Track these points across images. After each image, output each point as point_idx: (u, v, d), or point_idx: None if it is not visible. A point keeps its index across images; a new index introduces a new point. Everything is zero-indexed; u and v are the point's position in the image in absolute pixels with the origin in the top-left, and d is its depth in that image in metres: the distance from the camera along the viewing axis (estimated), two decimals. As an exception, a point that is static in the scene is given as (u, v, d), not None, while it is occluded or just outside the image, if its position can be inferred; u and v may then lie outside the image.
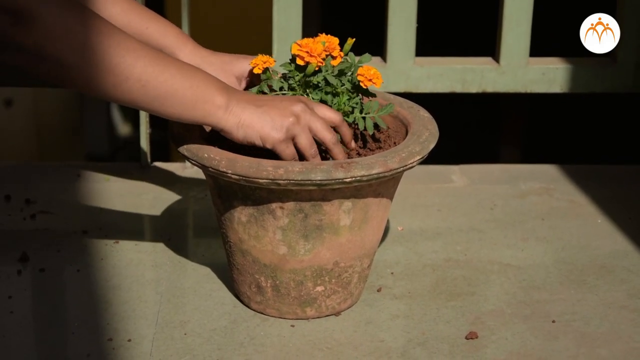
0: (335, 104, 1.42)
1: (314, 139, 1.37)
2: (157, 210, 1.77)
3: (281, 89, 1.43)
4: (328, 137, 1.37)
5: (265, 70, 1.45)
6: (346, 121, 1.42)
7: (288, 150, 1.35)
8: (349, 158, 1.41)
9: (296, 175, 1.32)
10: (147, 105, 1.32)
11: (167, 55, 1.34)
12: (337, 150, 1.38)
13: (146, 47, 1.31)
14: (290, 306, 1.44)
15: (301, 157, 1.38)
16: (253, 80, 1.51)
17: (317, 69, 1.42)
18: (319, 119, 1.36)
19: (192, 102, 1.33)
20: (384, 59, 1.95)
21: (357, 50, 1.50)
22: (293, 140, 1.35)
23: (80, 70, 1.28)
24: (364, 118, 1.43)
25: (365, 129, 1.44)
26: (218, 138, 1.46)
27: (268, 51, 1.68)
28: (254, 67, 1.45)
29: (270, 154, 1.37)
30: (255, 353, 1.38)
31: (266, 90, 1.43)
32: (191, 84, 1.32)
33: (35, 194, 1.80)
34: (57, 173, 1.89)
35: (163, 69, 1.31)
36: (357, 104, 1.44)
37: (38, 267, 1.56)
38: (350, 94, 1.44)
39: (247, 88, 1.51)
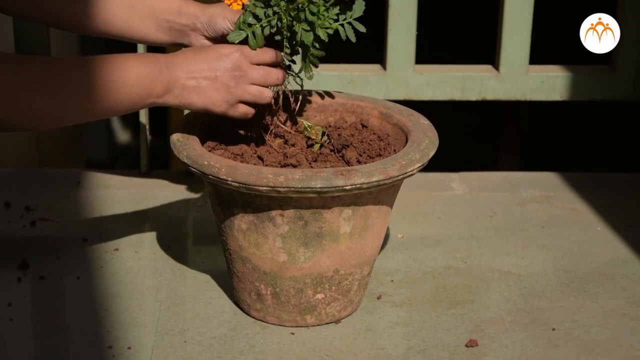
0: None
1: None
2: (157, 218, 1.77)
3: (266, 15, 1.41)
4: (273, 78, 1.42)
5: (243, 5, 1.44)
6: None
7: (237, 112, 1.42)
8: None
9: (296, 182, 1.32)
10: (109, 113, 1.38)
11: (97, 62, 1.37)
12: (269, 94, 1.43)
13: (79, 71, 1.36)
14: (290, 314, 1.44)
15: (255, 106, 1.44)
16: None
17: None
18: (257, 68, 1.41)
19: (141, 98, 1.38)
20: (384, 66, 1.94)
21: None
22: (240, 101, 1.41)
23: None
24: (342, 26, 1.43)
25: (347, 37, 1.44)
26: (219, 145, 1.46)
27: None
28: (230, 4, 1.44)
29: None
30: (255, 361, 1.38)
31: (252, 20, 1.41)
32: (133, 82, 1.36)
33: (35, 201, 1.79)
34: (57, 180, 1.89)
35: (107, 83, 1.35)
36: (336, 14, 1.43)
37: (38, 274, 1.56)
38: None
39: None
